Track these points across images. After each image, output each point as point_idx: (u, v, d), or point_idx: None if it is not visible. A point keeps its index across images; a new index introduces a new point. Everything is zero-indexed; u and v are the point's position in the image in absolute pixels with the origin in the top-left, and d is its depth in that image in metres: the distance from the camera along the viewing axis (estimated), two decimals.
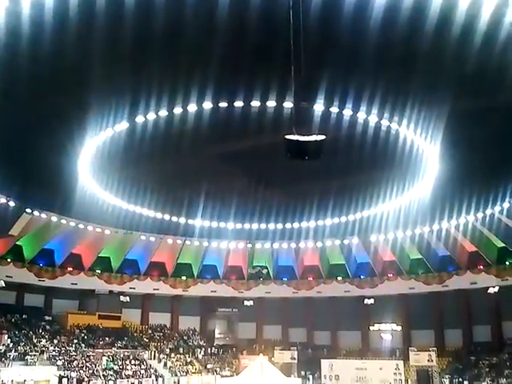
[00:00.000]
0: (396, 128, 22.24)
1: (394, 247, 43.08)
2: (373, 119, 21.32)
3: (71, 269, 42.30)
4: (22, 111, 20.18)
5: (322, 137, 13.40)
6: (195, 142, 23.16)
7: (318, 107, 19.56)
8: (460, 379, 36.13)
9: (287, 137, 13.37)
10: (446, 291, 42.32)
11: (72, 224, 38.85)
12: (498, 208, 33.94)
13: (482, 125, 20.42)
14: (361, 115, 20.97)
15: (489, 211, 34.57)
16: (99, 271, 43.73)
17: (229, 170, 26.75)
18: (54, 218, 37.67)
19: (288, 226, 39.99)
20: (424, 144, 23.75)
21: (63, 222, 38.28)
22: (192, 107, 20.58)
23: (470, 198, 31.48)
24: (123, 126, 22.17)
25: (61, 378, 31.49)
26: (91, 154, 25.37)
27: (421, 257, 43.75)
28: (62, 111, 19.99)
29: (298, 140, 13.20)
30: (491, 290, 39.05)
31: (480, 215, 35.50)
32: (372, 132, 22.02)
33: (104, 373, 35.11)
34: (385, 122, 21.79)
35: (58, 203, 33.54)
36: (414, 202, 31.87)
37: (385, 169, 25.80)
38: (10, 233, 37.35)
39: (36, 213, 36.33)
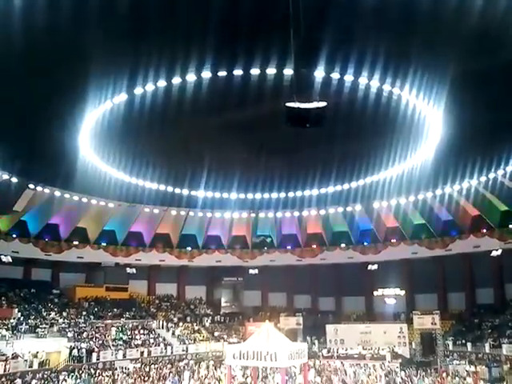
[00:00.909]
0: (398, 93, 21.95)
1: (397, 213, 43.22)
2: (374, 84, 21.01)
3: (77, 242, 42.66)
4: (21, 86, 19.95)
5: (323, 104, 13.26)
6: (195, 113, 22.94)
7: (319, 73, 19.24)
8: (463, 341, 36.72)
9: (288, 104, 13.23)
10: (449, 255, 42.60)
11: (75, 198, 38.99)
12: (501, 172, 33.82)
13: (485, 87, 20.14)
14: (362, 80, 20.66)
15: (492, 175, 34.47)
16: (105, 244, 44.10)
17: (230, 139, 26.60)
18: (57, 193, 37.78)
19: (291, 194, 40.06)
20: (426, 108, 23.47)
21: (66, 196, 38.41)
22: (191, 77, 20.31)
23: (473, 162, 31.35)
24: (122, 97, 21.96)
25: (71, 349, 32.13)
26: (91, 127, 25.23)
27: (424, 222, 43.90)
28: (60, 85, 19.74)
29: (298, 107, 13.07)
30: (494, 253, 39.30)
31: (483, 179, 35.42)
32: (374, 97, 21.75)
33: (113, 343, 35.83)
34: (386, 87, 21.48)
35: (61, 178, 33.56)
36: (416, 168, 31.77)
37: (387, 134, 25.61)
38: (13, 209, 37.60)
39: (39, 188, 36.46)
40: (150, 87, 21.15)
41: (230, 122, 23.69)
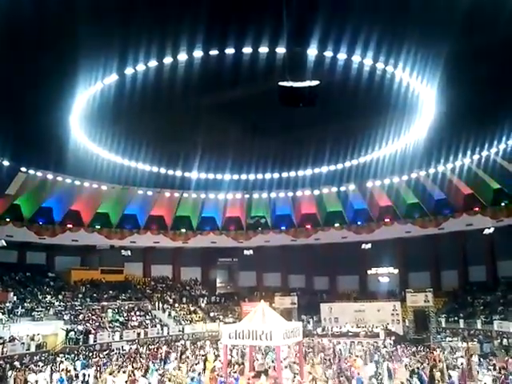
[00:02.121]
0: (391, 71, 21.81)
1: (390, 192, 43.37)
2: (368, 62, 20.84)
3: (71, 226, 42.56)
4: (10, 69, 19.64)
5: (316, 82, 13.14)
6: (187, 93, 22.72)
7: (312, 52, 19.03)
8: (455, 318, 37.33)
9: (281, 83, 13.10)
10: (442, 234, 42.92)
11: (68, 181, 38.75)
12: (494, 150, 33.89)
13: (479, 65, 20.03)
14: (355, 58, 20.48)
15: (485, 153, 34.55)
16: (99, 227, 44.03)
17: (223, 120, 26.42)
18: (50, 176, 37.53)
19: (285, 174, 40.03)
20: (420, 87, 23.38)
21: (59, 179, 38.17)
22: (182, 56, 20.04)
23: (467, 140, 31.34)
24: (113, 78, 21.67)
25: (68, 331, 32.34)
26: (82, 109, 24.95)
27: (417, 201, 44.10)
28: (50, 67, 19.42)
29: (291, 86, 12.95)
30: (486, 232, 39.66)
31: (476, 157, 35.51)
32: (367, 76, 21.60)
33: (110, 325, 36.09)
34: (380, 65, 21.33)
35: (53, 161, 33.30)
36: (409, 147, 31.77)
37: (380, 113, 25.49)
38: (6, 192, 37.36)
39: (31, 171, 36.19)
40: (140, 67, 20.88)
41: (223, 102, 23.51)
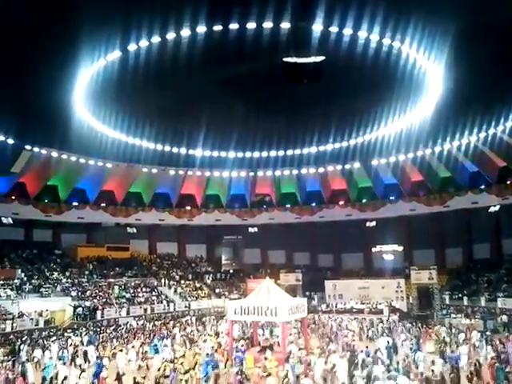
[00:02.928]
0: (398, 47, 21.46)
1: (396, 170, 43.19)
2: (374, 38, 20.47)
3: (76, 203, 42.78)
4: (14, 46, 19.49)
5: (321, 58, 12.97)
6: (191, 69, 22.48)
7: (317, 27, 18.67)
8: (459, 295, 37.51)
9: (285, 59, 12.94)
10: (447, 211, 42.86)
11: (73, 159, 38.82)
12: (500, 127, 33.53)
13: (487, 43, 19.69)
14: (361, 34, 20.13)
15: (491, 131, 34.21)
16: (104, 205, 44.23)
17: (227, 97, 26.21)
18: (55, 154, 37.60)
19: (289, 152, 39.89)
20: (427, 63, 23.04)
21: (64, 157, 38.23)
22: (185, 32, 19.76)
23: (473, 118, 31.03)
24: (116, 55, 21.47)
25: (76, 307, 32.82)
26: (86, 86, 24.82)
27: (422, 179, 43.91)
28: (52, 44, 19.24)
29: (296, 62, 12.79)
30: (492, 209, 39.58)
31: (482, 135, 35.18)
32: (373, 52, 21.27)
33: (117, 301, 36.58)
34: (387, 41, 20.97)
35: (57, 139, 33.32)
36: (416, 124, 31.50)
37: (387, 90, 25.17)
38: (12, 170, 37.50)
39: (36, 149, 36.23)
40: (143, 44, 20.64)
41: (227, 79, 23.26)
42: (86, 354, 21.66)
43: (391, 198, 45.37)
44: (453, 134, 34.88)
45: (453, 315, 32.78)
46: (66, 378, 16.12)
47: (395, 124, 31.82)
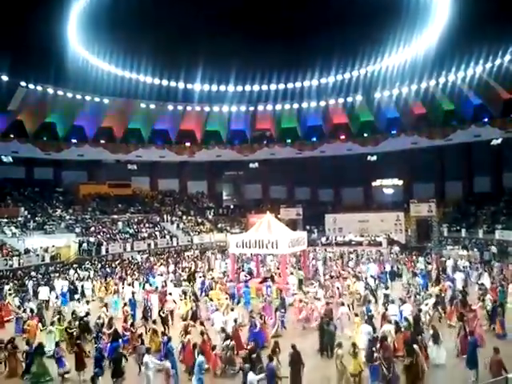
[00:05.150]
0: None
1: (399, 103, 42.44)
2: None
3: (75, 141, 42.46)
4: None
5: None
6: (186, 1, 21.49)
7: None
8: (458, 227, 38.01)
9: None
10: (449, 145, 42.51)
11: (69, 95, 38.05)
12: (507, 57, 32.51)
13: None
14: None
15: (498, 61, 33.19)
16: (103, 141, 43.90)
17: (226, 27, 25.24)
18: (50, 91, 36.81)
19: (290, 86, 39.00)
20: None
21: (60, 93, 37.45)
22: None
23: (480, 47, 30.00)
24: None
25: (81, 243, 33.41)
26: (80, 18, 23.87)
27: (425, 112, 43.20)
28: None
29: None
30: (494, 142, 39.24)
31: (488, 66, 34.18)
32: None
33: (121, 236, 37.22)
34: None
35: (52, 75, 32.40)
36: (420, 54, 30.55)
37: (391, 17, 24.16)
38: (8, 108, 36.90)
39: (31, 86, 35.42)
40: None
41: (226, 9, 22.32)
42: (93, 289, 22.39)
43: (393, 131, 44.86)
44: (458, 65, 33.89)
45: (450, 247, 33.35)
46: (74, 312, 16.61)
47: (399, 54, 30.87)
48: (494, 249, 29.82)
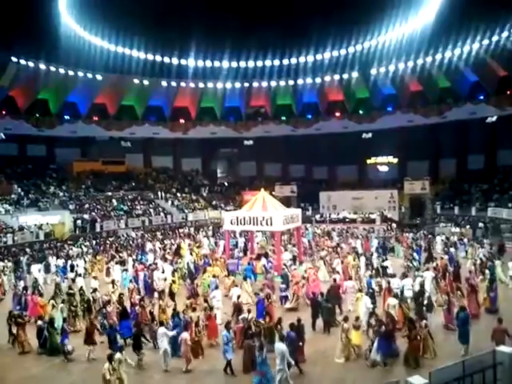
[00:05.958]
0: None
1: (395, 80, 42.11)
2: None
3: (68, 117, 42.02)
4: None
5: None
6: None
7: None
8: (451, 205, 38.21)
9: None
10: (444, 122, 42.34)
11: (61, 71, 37.49)
12: (505, 34, 32.21)
13: None
14: None
15: (495, 38, 32.89)
16: (97, 118, 43.47)
17: (221, 2, 24.84)
18: (42, 66, 36.22)
19: (285, 62, 38.57)
20: None
21: (52, 69, 36.88)
22: None
23: (477, 23, 29.69)
24: None
25: (75, 220, 33.40)
26: None
27: (421, 89, 42.93)
28: None
29: None
30: (489, 120, 39.18)
31: (485, 42, 33.88)
32: None
33: (115, 213, 37.21)
34: None
35: (44, 50, 31.93)
36: (417, 30, 30.24)
37: None
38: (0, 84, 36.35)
39: (22, 62, 34.83)
40: None
41: None
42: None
43: (389, 109, 44.61)
44: (455, 42, 33.58)
45: (442, 224, 33.58)
46: (81, 288, 16.60)
47: (396, 30, 30.53)
48: (481, 225, 30.21)
